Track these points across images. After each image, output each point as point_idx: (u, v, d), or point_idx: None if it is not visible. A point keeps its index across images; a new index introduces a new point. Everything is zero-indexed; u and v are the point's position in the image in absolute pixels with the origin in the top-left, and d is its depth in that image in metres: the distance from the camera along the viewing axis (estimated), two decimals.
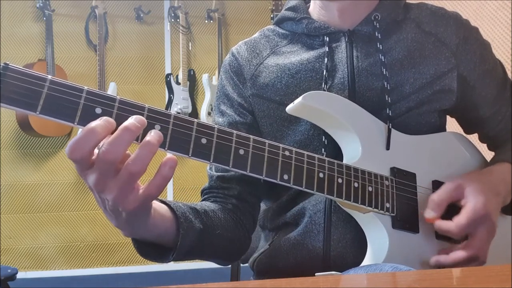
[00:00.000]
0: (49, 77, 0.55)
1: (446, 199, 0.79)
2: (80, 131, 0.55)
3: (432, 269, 0.79)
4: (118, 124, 0.56)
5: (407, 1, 0.95)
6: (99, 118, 0.55)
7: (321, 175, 0.72)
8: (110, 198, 0.58)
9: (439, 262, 0.78)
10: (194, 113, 3.34)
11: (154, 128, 0.59)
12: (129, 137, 0.55)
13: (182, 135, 0.61)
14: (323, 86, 0.86)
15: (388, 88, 0.85)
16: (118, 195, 0.57)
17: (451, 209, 0.79)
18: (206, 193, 0.92)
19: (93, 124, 0.54)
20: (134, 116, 0.57)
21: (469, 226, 0.76)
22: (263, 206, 0.98)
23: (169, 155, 0.59)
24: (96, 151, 0.56)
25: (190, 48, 3.46)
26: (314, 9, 0.94)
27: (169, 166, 0.58)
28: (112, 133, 0.55)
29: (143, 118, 0.57)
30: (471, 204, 0.77)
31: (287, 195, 0.91)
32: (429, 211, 0.79)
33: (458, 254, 0.77)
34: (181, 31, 3.36)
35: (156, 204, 0.71)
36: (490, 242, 0.79)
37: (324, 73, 0.87)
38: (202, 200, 0.92)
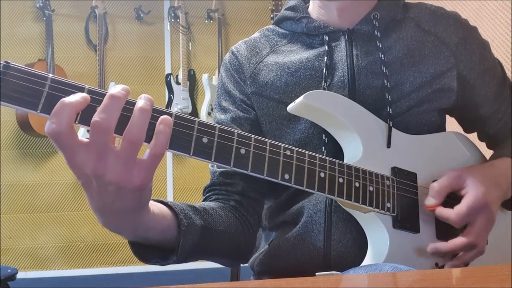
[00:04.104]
0: (50, 75, 0.55)
1: (447, 187, 0.80)
2: (81, 130, 0.55)
3: (432, 269, 0.79)
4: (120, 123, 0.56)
5: (406, 0, 0.95)
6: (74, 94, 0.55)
7: (322, 174, 0.72)
8: (114, 179, 0.56)
9: (437, 249, 0.78)
10: (194, 113, 3.34)
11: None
12: (117, 104, 0.55)
13: (183, 134, 0.61)
14: (322, 84, 0.86)
15: (388, 86, 0.85)
16: (122, 172, 0.56)
17: (452, 201, 0.79)
18: (208, 191, 0.91)
19: (67, 98, 0.54)
20: (118, 86, 0.57)
21: (469, 215, 0.77)
22: None
23: (163, 116, 0.59)
24: (83, 139, 0.55)
25: (190, 48, 3.46)
26: (314, 9, 0.95)
27: (164, 124, 0.58)
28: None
29: (126, 87, 0.57)
30: (472, 194, 0.78)
31: (286, 194, 0.90)
32: (429, 198, 0.80)
33: (457, 241, 0.77)
34: (181, 31, 3.36)
35: (153, 202, 0.69)
36: (489, 232, 0.80)
37: (324, 71, 0.87)
38: (204, 199, 0.91)
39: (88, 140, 0.55)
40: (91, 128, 0.54)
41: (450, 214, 0.77)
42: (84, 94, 0.55)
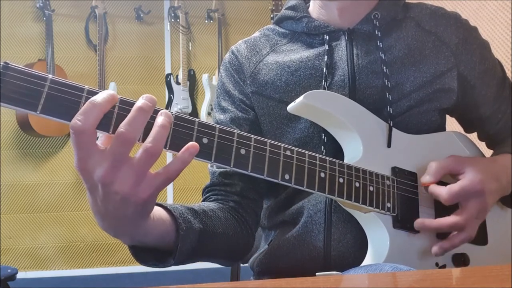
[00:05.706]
0: (50, 76, 0.55)
1: (445, 168, 0.80)
2: None
3: (432, 269, 0.79)
4: (117, 124, 0.56)
5: (406, 0, 0.95)
6: (101, 92, 0.56)
7: (322, 175, 0.72)
8: (120, 189, 0.56)
9: (424, 225, 0.78)
10: (194, 113, 3.34)
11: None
12: (144, 117, 0.56)
13: (183, 135, 0.61)
14: (323, 83, 0.86)
15: (389, 85, 0.85)
16: (131, 184, 0.56)
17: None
18: (208, 192, 0.91)
19: (96, 97, 0.55)
20: (145, 96, 0.58)
21: (460, 196, 0.77)
22: None
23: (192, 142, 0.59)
24: (99, 142, 0.57)
25: (190, 48, 3.46)
26: (314, 8, 0.95)
27: (189, 152, 0.59)
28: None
29: (153, 97, 0.58)
30: (468, 178, 0.79)
31: (285, 193, 0.90)
32: (426, 175, 0.80)
33: (444, 219, 0.78)
34: (181, 31, 3.36)
35: None
36: (480, 221, 0.80)
37: (324, 71, 0.87)
38: (203, 200, 0.91)
39: (103, 147, 0.56)
40: (115, 137, 0.55)
41: (441, 191, 0.78)
42: (112, 92, 0.57)
